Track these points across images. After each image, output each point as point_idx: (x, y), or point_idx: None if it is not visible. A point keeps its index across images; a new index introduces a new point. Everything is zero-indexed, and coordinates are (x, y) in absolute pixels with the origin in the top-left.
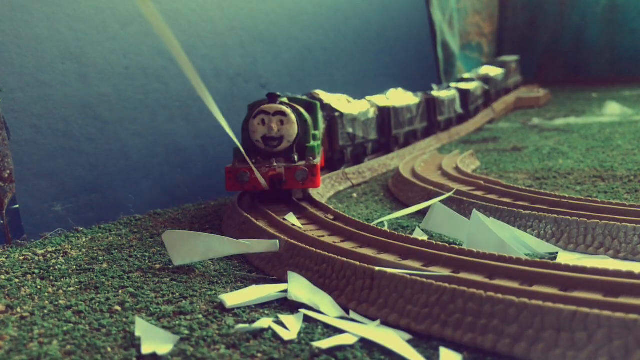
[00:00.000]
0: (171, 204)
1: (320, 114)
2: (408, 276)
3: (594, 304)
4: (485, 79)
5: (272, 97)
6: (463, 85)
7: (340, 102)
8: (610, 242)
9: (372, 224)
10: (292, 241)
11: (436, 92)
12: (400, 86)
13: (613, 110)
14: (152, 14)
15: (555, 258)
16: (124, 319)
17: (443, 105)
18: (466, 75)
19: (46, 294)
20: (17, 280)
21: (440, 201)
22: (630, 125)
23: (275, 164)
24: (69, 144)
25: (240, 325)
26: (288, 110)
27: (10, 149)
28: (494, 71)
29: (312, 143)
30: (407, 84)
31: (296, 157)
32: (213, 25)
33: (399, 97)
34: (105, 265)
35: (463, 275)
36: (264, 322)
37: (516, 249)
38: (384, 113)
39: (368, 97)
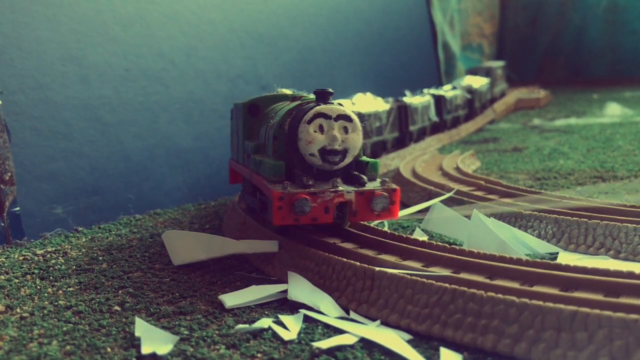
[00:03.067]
0: (171, 205)
1: None
2: (408, 276)
3: (594, 304)
4: (469, 91)
5: (324, 95)
6: (438, 92)
7: None
8: (610, 242)
9: (372, 224)
10: (292, 241)
11: (408, 99)
12: (401, 87)
13: (614, 111)
14: None
15: (555, 258)
16: (124, 319)
17: (416, 113)
18: (446, 87)
19: (46, 294)
20: (16, 281)
21: (441, 201)
22: (631, 126)
23: (341, 188)
24: (70, 146)
25: (240, 326)
26: (352, 114)
27: (11, 151)
28: (478, 82)
29: (370, 158)
30: (407, 85)
31: (365, 178)
32: (213, 27)
33: (367, 103)
34: (105, 266)
35: (463, 275)
36: (264, 322)
37: (517, 249)
38: None
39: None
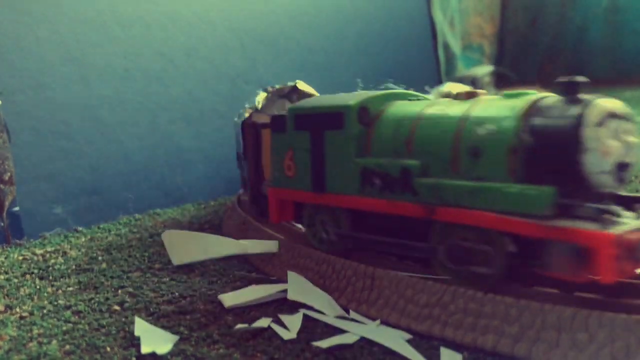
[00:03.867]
0: (171, 205)
1: None
2: (408, 276)
3: (595, 304)
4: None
5: (574, 87)
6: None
7: None
8: None
9: None
10: (292, 241)
11: None
12: (402, 88)
13: None
14: None
15: None
16: (124, 319)
17: None
18: (427, 96)
19: (45, 294)
20: (16, 280)
21: None
22: None
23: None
24: (70, 146)
25: (240, 325)
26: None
27: (11, 151)
28: (458, 89)
29: None
30: (407, 86)
31: None
32: (213, 27)
33: None
34: (104, 265)
35: None
36: (264, 322)
37: None
38: None
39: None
